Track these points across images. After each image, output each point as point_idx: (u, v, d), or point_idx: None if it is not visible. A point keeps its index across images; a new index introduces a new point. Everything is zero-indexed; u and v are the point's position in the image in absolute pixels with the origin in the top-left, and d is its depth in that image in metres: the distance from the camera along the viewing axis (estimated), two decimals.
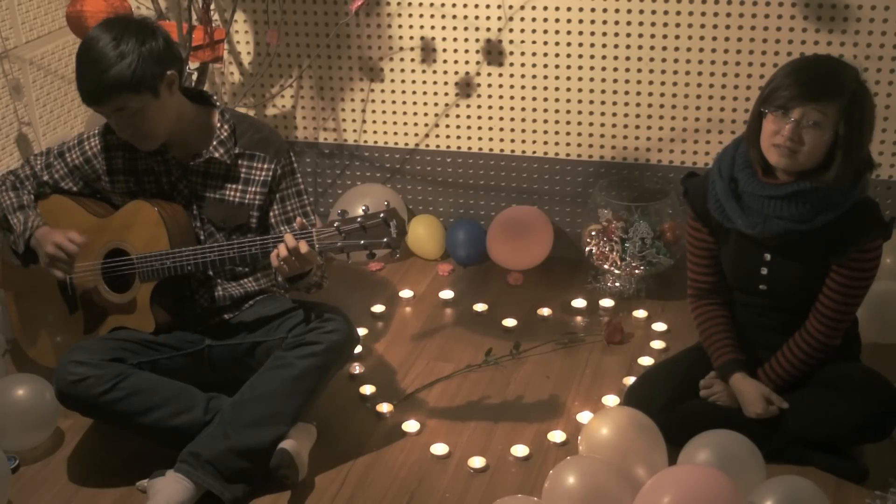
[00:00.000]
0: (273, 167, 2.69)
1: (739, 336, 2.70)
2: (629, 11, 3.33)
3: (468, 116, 3.63)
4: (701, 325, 2.73)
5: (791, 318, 2.62)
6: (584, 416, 2.83)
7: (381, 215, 2.41)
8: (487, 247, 3.60)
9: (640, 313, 3.34)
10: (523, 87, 3.53)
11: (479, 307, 3.41)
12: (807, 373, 2.62)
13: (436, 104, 3.64)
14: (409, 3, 3.52)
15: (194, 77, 3.40)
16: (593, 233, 3.41)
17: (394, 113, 3.70)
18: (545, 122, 3.56)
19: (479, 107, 3.61)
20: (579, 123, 3.53)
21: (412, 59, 3.60)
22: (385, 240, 2.41)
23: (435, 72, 3.59)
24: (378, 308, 3.42)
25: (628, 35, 3.36)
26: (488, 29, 3.48)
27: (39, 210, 2.75)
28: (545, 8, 3.40)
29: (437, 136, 3.69)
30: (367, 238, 2.42)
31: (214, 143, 2.66)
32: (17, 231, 2.71)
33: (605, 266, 3.40)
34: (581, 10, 3.37)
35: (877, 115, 3.24)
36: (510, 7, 3.43)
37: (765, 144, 2.46)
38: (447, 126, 3.66)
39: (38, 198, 2.79)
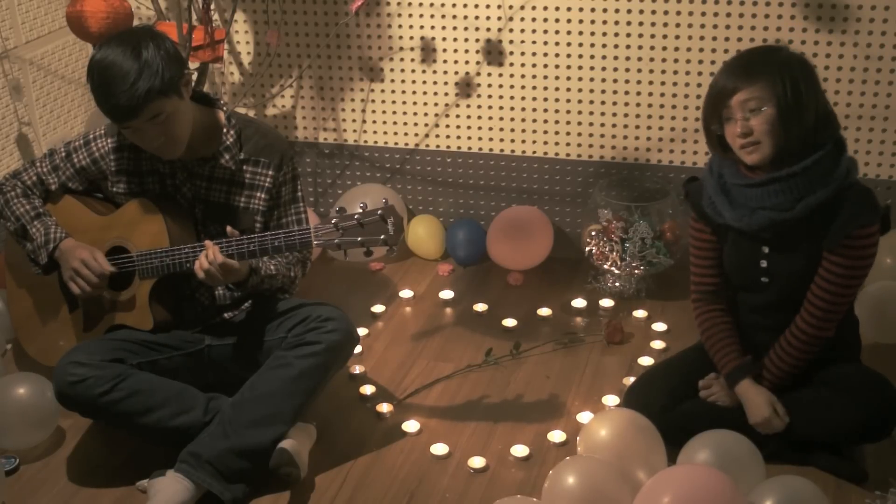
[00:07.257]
0: (276, 174, 2.69)
1: (743, 340, 2.70)
2: (629, 11, 3.33)
3: (468, 116, 3.63)
4: (705, 331, 2.71)
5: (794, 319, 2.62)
6: (584, 416, 2.82)
7: (379, 212, 2.41)
8: (487, 247, 3.60)
9: (640, 313, 3.34)
10: (523, 87, 3.53)
11: (479, 307, 3.41)
12: (802, 367, 2.61)
13: (436, 104, 3.64)
14: (409, 3, 3.51)
15: (194, 77, 3.40)
16: (593, 233, 3.41)
17: (394, 113, 3.70)
18: (545, 122, 3.56)
19: (479, 107, 3.60)
20: (579, 123, 3.53)
21: (412, 59, 3.59)
22: (382, 237, 2.41)
23: (435, 72, 3.59)
24: (378, 308, 3.42)
25: (628, 35, 3.36)
26: (488, 29, 3.48)
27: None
28: (545, 8, 3.40)
29: (437, 136, 3.69)
30: (364, 235, 2.42)
31: (220, 148, 2.66)
32: (38, 241, 2.70)
33: (605, 266, 3.40)
34: (581, 10, 3.36)
35: (877, 114, 3.25)
36: (510, 7, 3.42)
37: (736, 151, 2.49)
38: (447, 126, 3.66)
39: (46, 200, 2.80)
